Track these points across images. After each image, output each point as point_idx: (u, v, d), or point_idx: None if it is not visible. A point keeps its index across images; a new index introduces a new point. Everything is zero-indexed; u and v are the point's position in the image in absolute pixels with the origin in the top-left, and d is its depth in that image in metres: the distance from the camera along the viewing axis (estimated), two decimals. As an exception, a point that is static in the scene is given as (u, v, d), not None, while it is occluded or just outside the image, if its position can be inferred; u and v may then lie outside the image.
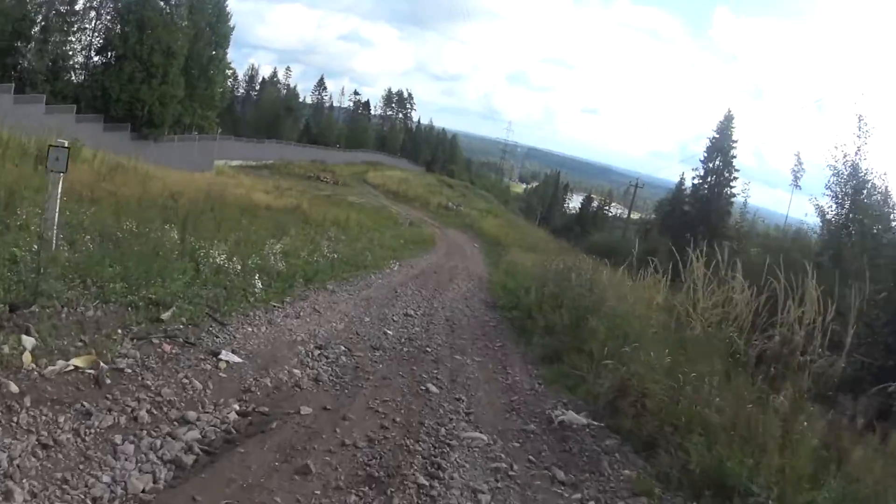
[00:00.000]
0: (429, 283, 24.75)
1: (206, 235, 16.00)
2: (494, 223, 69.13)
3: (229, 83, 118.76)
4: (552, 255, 36.06)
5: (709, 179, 73.69)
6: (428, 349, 13.55)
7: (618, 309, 14.19)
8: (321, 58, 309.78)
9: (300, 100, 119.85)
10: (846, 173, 22.54)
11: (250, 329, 11.62)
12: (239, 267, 14.39)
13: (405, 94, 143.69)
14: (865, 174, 19.75)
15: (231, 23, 71.15)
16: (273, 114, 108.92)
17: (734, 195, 74.24)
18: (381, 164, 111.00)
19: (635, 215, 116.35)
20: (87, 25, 60.46)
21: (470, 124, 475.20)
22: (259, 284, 14.29)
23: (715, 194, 72.81)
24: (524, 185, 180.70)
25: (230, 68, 74.41)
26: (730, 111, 75.44)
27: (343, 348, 12.06)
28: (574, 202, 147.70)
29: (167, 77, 59.96)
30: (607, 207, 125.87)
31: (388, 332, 14.60)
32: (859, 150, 19.01)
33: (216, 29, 69.24)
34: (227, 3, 70.46)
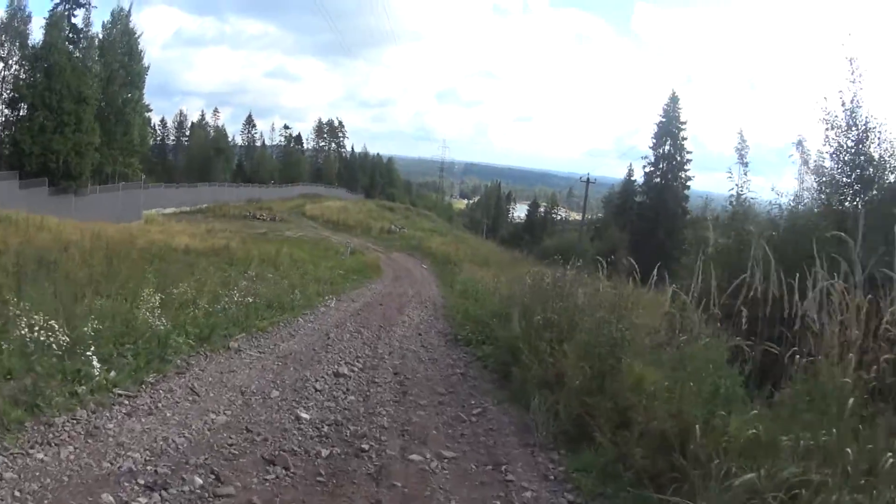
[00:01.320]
0: (373, 320, 20.09)
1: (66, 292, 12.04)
2: (441, 241, 64.29)
3: (158, 130, 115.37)
4: (508, 267, 34.13)
5: (661, 166, 69.12)
6: (365, 447, 8.27)
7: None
8: (250, 97, 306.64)
9: (230, 140, 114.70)
10: (843, 124, 16.98)
11: (41, 455, 6.60)
12: (66, 339, 8.79)
13: (336, 123, 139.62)
14: (867, 122, 14.72)
15: (145, 61, 66.25)
16: (203, 156, 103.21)
17: (690, 178, 70.23)
18: (319, 195, 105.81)
19: (579, 216, 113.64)
20: (-5, 76, 55.17)
21: (405, 147, 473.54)
22: (95, 364, 8.86)
23: (669, 180, 68.26)
24: (466, 201, 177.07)
25: (148, 110, 68.62)
26: (674, 93, 71.63)
27: (201, 478, 6.80)
28: (519, 211, 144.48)
29: (81, 124, 54.44)
30: (555, 211, 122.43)
31: (304, 415, 9.37)
32: (855, 97, 14.14)
33: (129, 69, 64.10)
34: (139, 41, 65.51)
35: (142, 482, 6.32)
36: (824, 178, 19.06)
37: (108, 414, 8.00)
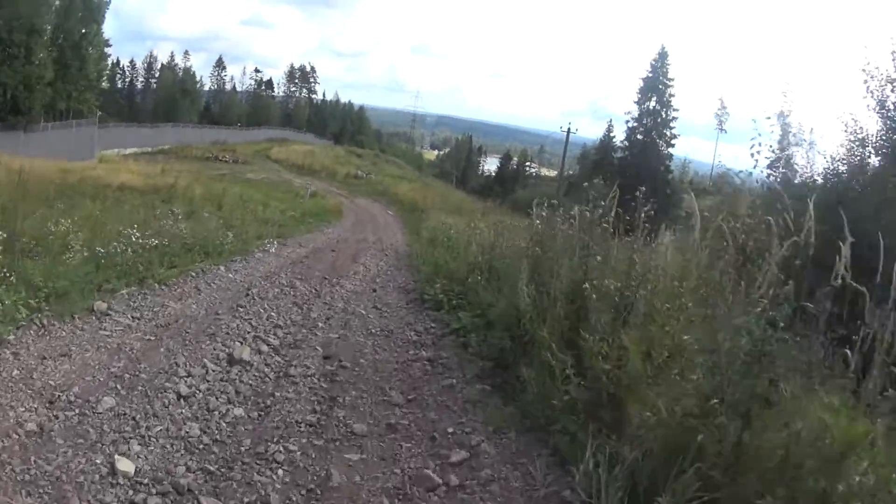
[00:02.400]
0: (317, 270, 15.87)
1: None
2: (409, 188, 59.71)
3: (128, 72, 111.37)
4: (480, 215, 28.54)
5: (645, 122, 64.50)
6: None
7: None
8: (224, 44, 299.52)
9: (198, 82, 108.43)
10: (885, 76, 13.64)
11: None
12: None
13: (308, 69, 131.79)
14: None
15: None
16: (170, 98, 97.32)
17: (675, 136, 65.95)
18: (287, 140, 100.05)
19: (551, 173, 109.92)
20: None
21: (378, 98, 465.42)
22: None
23: (653, 137, 63.75)
24: (437, 152, 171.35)
25: (107, 45, 63.06)
26: (663, 47, 66.29)
27: None
28: (490, 164, 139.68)
29: (31, 56, 49.91)
30: (527, 165, 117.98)
31: (122, 467, 4.91)
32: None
33: (88, 2, 58.61)
34: None
35: None
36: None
37: None
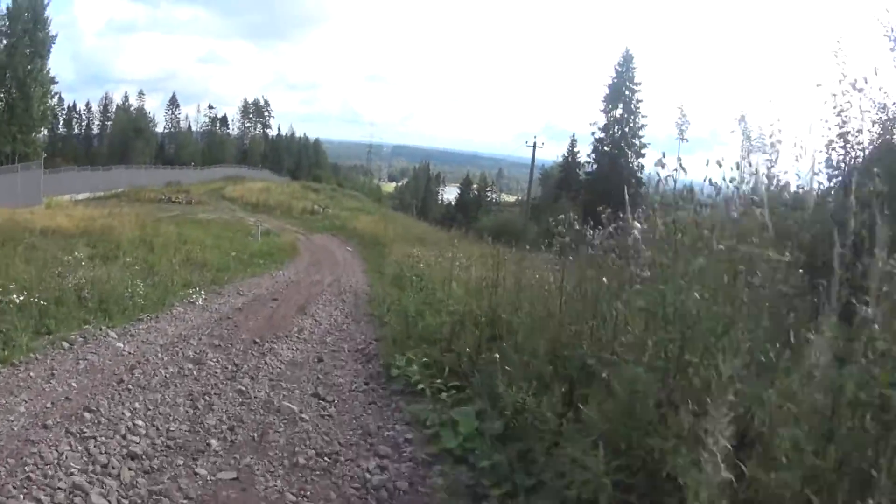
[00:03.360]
0: (247, 327, 12.29)
1: None
2: (369, 220, 55.79)
3: (84, 116, 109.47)
4: (445, 245, 25.97)
5: (613, 131, 60.52)
6: None
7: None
8: (181, 83, 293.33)
9: (151, 121, 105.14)
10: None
11: None
12: None
13: (262, 102, 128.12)
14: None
15: (50, 29, 57.38)
16: (124, 139, 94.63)
17: (645, 145, 62.13)
18: (242, 177, 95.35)
19: (511, 198, 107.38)
20: None
21: (332, 130, 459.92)
22: None
23: (622, 148, 59.85)
24: (395, 184, 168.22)
25: (53, 82, 58.86)
26: (628, 50, 62.21)
27: None
28: (449, 193, 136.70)
29: None
30: (488, 190, 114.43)
31: None
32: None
33: (34, 37, 55.42)
34: (46, 6, 56.59)
35: None
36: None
37: None
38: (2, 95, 50.87)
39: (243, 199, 71.02)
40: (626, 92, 59.90)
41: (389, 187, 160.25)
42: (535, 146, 51.80)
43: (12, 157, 51.12)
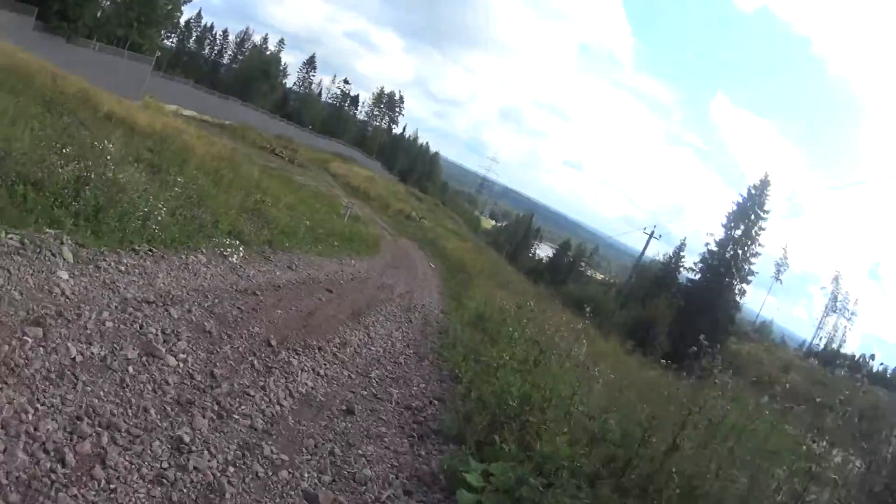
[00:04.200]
0: (269, 317, 8.62)
1: None
2: (461, 246, 52.62)
3: (219, 41, 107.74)
4: (528, 295, 25.44)
5: (728, 249, 55.61)
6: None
7: None
8: (324, 50, 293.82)
9: (282, 71, 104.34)
10: None
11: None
12: None
13: (397, 97, 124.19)
14: None
15: None
16: (249, 76, 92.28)
17: (753, 273, 57.76)
18: (353, 159, 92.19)
19: (598, 275, 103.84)
20: None
21: (453, 151, 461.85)
22: None
23: (730, 268, 54.95)
24: (494, 222, 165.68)
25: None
26: (767, 175, 57.10)
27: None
28: (542, 250, 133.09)
29: None
30: (584, 260, 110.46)
31: None
32: None
33: None
34: None
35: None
36: None
37: None
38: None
39: (346, 179, 68.68)
40: (752, 216, 55.11)
41: (488, 223, 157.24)
42: (651, 235, 47.28)
43: (123, 43, 48.54)
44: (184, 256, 9.42)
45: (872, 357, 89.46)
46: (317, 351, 7.76)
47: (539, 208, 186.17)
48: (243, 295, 8.82)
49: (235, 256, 10.95)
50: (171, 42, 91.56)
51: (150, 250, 8.67)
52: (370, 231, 33.94)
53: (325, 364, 7.47)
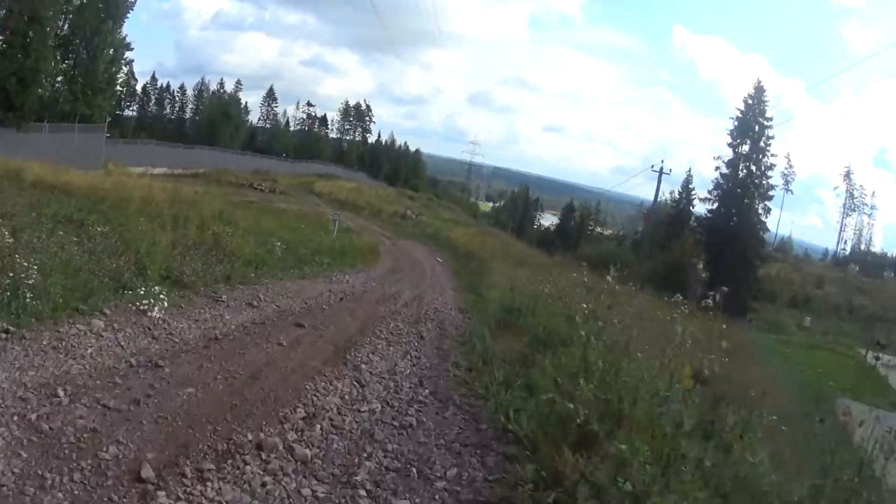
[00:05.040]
0: (176, 401, 5.19)
1: None
2: (464, 233, 49.28)
3: (178, 99, 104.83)
4: (554, 271, 22.28)
5: (739, 171, 51.40)
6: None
7: None
8: (284, 83, 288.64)
9: (243, 109, 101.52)
10: None
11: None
12: None
13: (363, 107, 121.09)
14: None
15: None
16: (212, 123, 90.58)
17: (773, 187, 53.96)
18: (336, 175, 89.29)
19: (607, 231, 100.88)
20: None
21: (434, 146, 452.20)
22: None
23: (748, 190, 50.78)
24: (492, 204, 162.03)
25: (128, 48, 53.37)
26: (760, 82, 52.49)
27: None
28: (545, 220, 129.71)
29: (30, 49, 41.05)
30: (591, 219, 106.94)
31: None
32: None
33: None
34: None
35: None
36: None
37: None
38: (64, 53, 46.44)
39: (332, 195, 66.16)
40: (756, 127, 50.72)
41: (486, 207, 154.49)
42: (661, 171, 43.30)
43: (72, 117, 46.65)
44: (65, 329, 6.65)
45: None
46: (250, 457, 4.39)
47: (532, 179, 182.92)
48: (134, 374, 5.49)
49: (158, 309, 7.72)
50: (132, 110, 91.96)
51: (7, 330, 6.04)
52: (365, 240, 30.88)
53: (262, 483, 4.05)
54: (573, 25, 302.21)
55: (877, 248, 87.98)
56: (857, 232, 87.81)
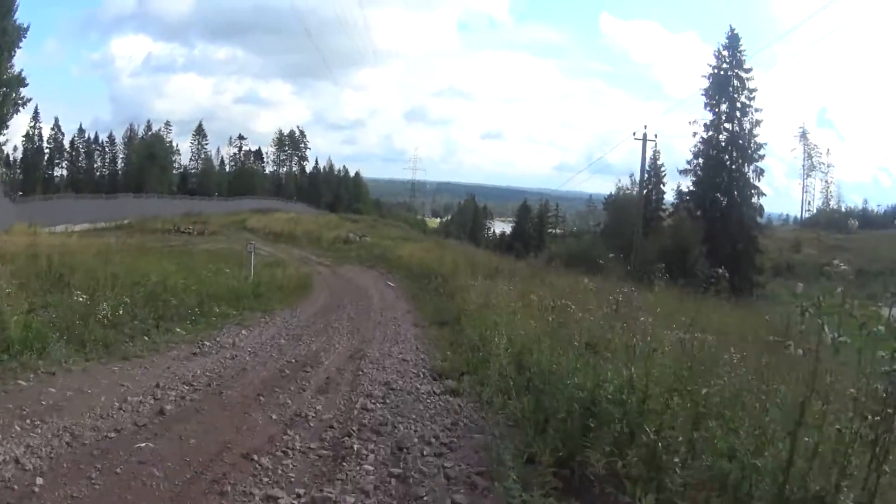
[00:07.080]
0: None
1: None
2: (417, 248, 42.35)
3: (107, 148, 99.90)
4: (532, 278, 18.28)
5: (721, 133, 44.49)
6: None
7: None
8: (219, 123, 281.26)
9: (170, 149, 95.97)
10: None
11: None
12: None
13: (297, 135, 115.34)
14: None
15: (17, 17, 44.70)
16: (140, 167, 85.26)
17: (761, 146, 46.29)
18: (273, 209, 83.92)
19: (558, 230, 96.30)
20: None
21: (375, 169, 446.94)
22: None
23: (732, 153, 43.93)
24: (438, 219, 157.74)
25: (23, 84, 46.62)
26: (733, 30, 45.04)
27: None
28: (496, 227, 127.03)
29: None
30: (550, 216, 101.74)
31: None
32: None
33: None
34: None
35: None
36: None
37: None
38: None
39: (266, 229, 62.17)
40: (735, 82, 43.96)
41: (434, 222, 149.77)
42: (644, 138, 36.44)
43: None
44: None
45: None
46: None
47: (476, 189, 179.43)
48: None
49: None
50: (62, 167, 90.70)
51: None
52: (294, 273, 25.16)
53: None
54: (502, 26, 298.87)
55: (835, 205, 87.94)
56: (825, 190, 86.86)
